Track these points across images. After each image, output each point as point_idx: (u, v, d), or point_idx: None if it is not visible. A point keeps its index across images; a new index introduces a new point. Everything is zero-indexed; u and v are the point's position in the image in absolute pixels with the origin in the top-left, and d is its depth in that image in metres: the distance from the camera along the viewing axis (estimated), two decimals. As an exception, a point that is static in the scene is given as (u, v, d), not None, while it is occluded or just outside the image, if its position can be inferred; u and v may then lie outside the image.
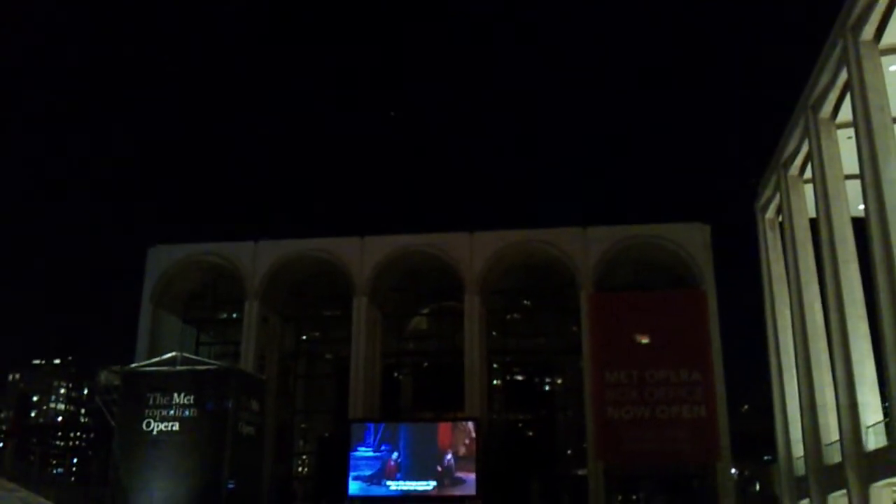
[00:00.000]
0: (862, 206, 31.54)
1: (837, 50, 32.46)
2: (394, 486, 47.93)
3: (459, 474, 47.60)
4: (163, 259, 56.03)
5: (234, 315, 57.68)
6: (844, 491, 33.82)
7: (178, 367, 45.41)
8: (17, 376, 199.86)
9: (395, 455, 48.49)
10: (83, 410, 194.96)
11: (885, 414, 31.71)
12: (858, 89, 30.50)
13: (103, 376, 47.19)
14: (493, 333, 56.50)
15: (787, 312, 44.43)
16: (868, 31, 30.03)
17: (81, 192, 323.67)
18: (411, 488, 47.81)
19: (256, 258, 54.91)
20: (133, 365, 48.30)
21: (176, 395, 44.67)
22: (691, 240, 51.38)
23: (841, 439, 34.35)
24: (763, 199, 48.42)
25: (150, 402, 44.68)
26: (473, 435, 48.04)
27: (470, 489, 47.17)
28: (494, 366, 57.32)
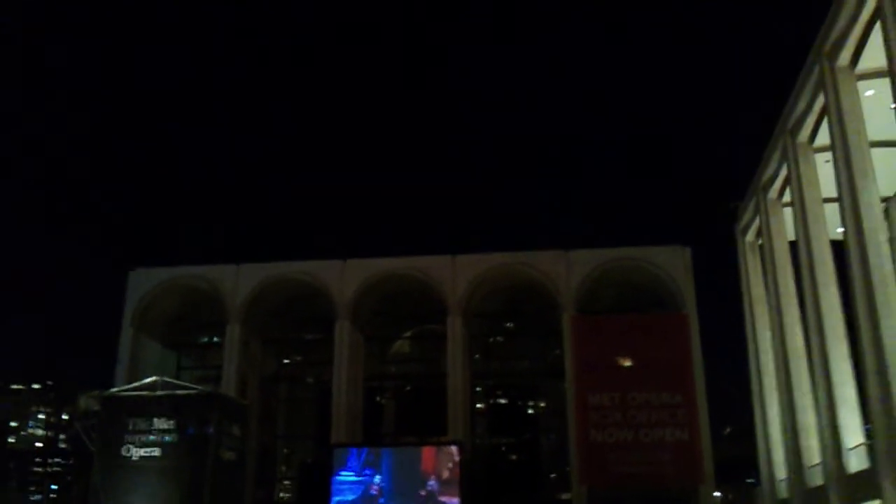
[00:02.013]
0: (841, 229, 31.81)
1: (814, 75, 32.82)
2: (376, 511, 47.52)
3: (443, 499, 47.19)
4: (143, 282, 55.60)
5: (215, 339, 57.32)
6: (827, 513, 33.86)
7: (159, 392, 44.91)
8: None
9: (377, 479, 48.05)
10: (62, 436, 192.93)
11: (867, 436, 31.82)
12: (835, 114, 30.81)
13: (83, 401, 46.63)
14: (476, 356, 56.43)
15: (768, 335, 44.61)
16: (844, 57, 30.38)
17: (60, 215, 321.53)
18: (394, 513, 47.41)
19: (238, 281, 54.68)
20: (113, 390, 47.79)
21: (156, 420, 44.10)
22: (672, 262, 51.61)
23: (823, 462, 34.44)
24: (743, 222, 48.75)
25: (130, 427, 44.08)
26: (457, 459, 47.74)
27: (453, 514, 46.82)
28: (477, 389, 57.13)
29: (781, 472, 43.01)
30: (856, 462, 31.62)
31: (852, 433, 32.47)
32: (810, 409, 37.76)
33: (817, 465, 36.27)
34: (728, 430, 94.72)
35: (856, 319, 29.40)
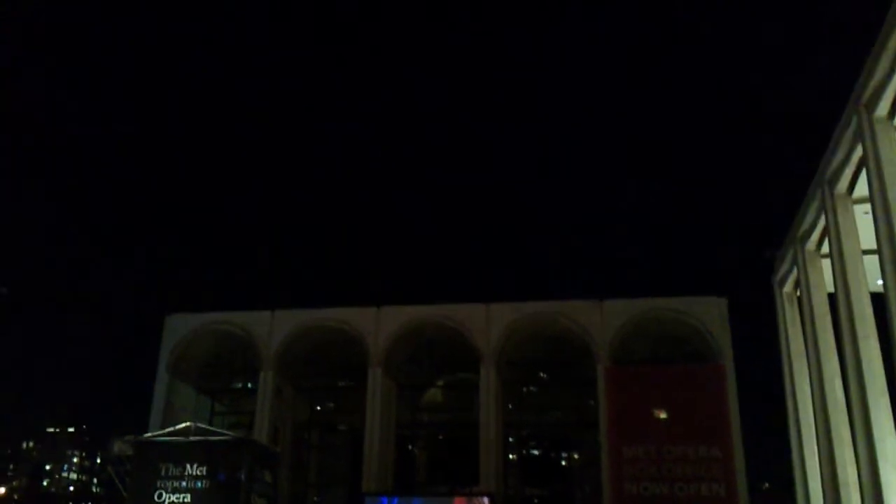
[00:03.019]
0: (880, 282, 31.35)
1: (852, 126, 32.59)
2: (407, 562, 46.99)
3: (474, 551, 46.62)
4: (179, 327, 56.20)
5: (249, 385, 57.58)
6: (869, 574, 32.88)
7: (192, 438, 45.04)
8: (31, 444, 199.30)
9: (408, 530, 47.65)
10: (95, 480, 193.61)
11: (910, 493, 30.98)
12: (874, 165, 30.51)
13: (117, 446, 46.79)
14: (509, 406, 56.03)
15: (807, 388, 43.78)
16: (883, 107, 30.15)
17: (97, 260, 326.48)
18: (425, 565, 46.87)
19: (272, 328, 55.02)
20: (147, 434, 48.01)
21: (188, 465, 44.17)
22: (708, 313, 51.14)
23: (865, 520, 33.55)
24: (780, 274, 48.18)
25: (163, 472, 44.16)
26: (488, 510, 47.15)
27: (485, 567, 46.13)
28: (510, 439, 56.68)
29: (822, 529, 41.89)
30: (899, 520, 30.77)
31: (894, 490, 31.65)
32: (851, 464, 36.87)
33: (859, 523, 35.32)
34: (766, 485, 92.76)
35: (897, 373, 28.86)
